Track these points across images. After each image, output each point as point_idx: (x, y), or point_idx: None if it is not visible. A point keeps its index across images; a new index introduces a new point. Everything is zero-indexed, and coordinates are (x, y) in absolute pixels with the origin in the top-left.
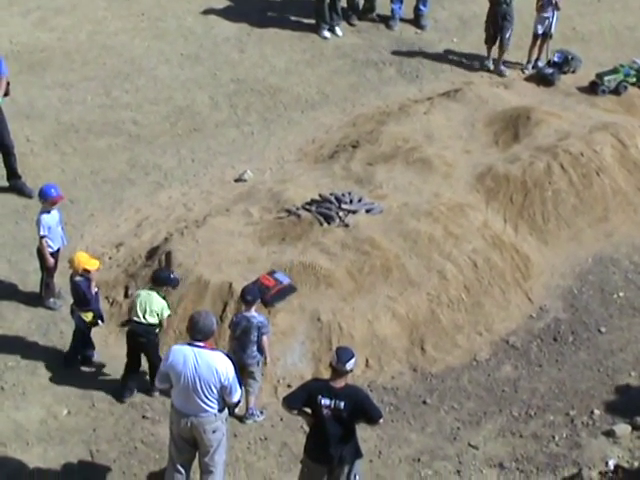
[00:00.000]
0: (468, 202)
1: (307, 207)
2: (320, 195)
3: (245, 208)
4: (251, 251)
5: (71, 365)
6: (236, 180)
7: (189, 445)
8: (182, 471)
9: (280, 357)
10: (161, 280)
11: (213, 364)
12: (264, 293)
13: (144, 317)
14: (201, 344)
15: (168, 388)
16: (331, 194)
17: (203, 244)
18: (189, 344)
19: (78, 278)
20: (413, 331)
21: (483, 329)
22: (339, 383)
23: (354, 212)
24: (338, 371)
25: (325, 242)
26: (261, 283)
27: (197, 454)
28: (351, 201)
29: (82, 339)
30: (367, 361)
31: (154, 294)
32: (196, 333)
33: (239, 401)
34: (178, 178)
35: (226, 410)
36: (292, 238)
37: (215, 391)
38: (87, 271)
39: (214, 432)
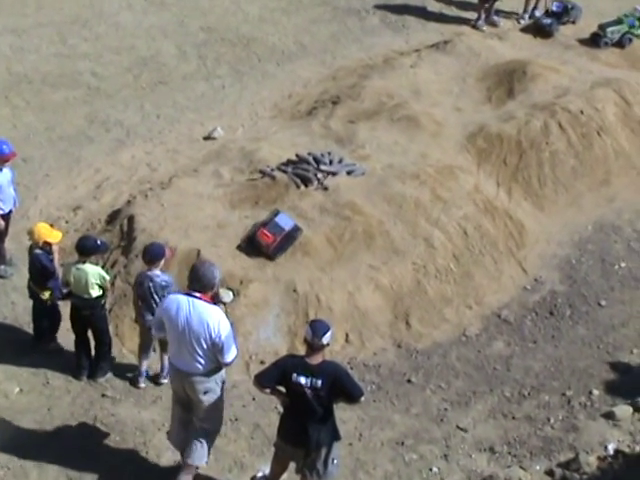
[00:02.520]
0: (458, 164)
1: (283, 168)
2: (297, 155)
3: (215, 169)
4: (221, 216)
5: (47, 345)
6: (205, 138)
7: (183, 405)
8: (183, 430)
9: (252, 331)
10: (87, 250)
11: (205, 317)
12: (265, 250)
13: (86, 293)
14: (197, 294)
15: (164, 337)
16: (309, 154)
17: (169, 208)
18: (187, 293)
19: (38, 251)
20: (397, 304)
21: (473, 302)
22: (315, 359)
23: (334, 174)
24: (313, 346)
25: (302, 206)
26: (259, 241)
27: None
28: (331, 162)
29: (47, 316)
30: (347, 336)
31: (86, 266)
32: (194, 282)
33: (233, 360)
34: (141, 135)
35: (222, 372)
36: (266, 202)
37: (205, 346)
38: (48, 244)
39: (206, 393)
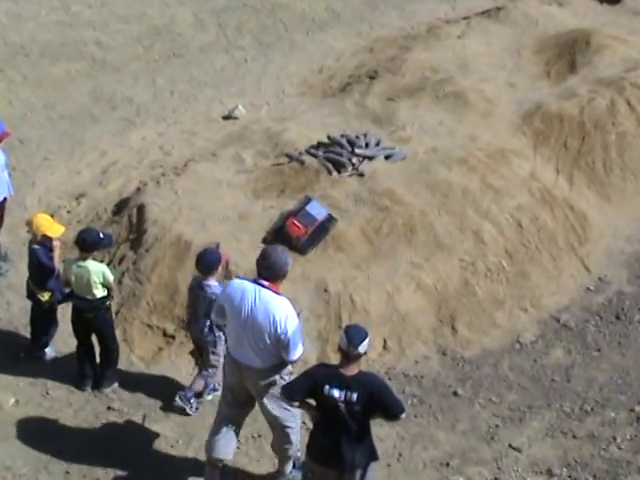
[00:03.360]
0: (512, 147)
1: (312, 152)
2: (328, 137)
3: (236, 152)
4: (243, 205)
5: (39, 353)
6: (225, 117)
7: (237, 401)
8: (225, 430)
9: None
10: (89, 244)
11: (272, 309)
12: (295, 243)
13: (89, 293)
14: (266, 283)
15: (223, 324)
16: (342, 136)
17: (184, 196)
18: (254, 280)
19: (35, 246)
20: (442, 306)
21: (528, 304)
22: (351, 370)
23: (370, 158)
24: (349, 355)
25: (334, 195)
26: (288, 233)
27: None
28: (367, 145)
29: (42, 321)
30: (385, 342)
31: (88, 264)
32: (264, 269)
33: (299, 358)
34: (153, 114)
35: (289, 367)
36: (294, 190)
37: (268, 341)
38: (48, 238)
39: (268, 385)
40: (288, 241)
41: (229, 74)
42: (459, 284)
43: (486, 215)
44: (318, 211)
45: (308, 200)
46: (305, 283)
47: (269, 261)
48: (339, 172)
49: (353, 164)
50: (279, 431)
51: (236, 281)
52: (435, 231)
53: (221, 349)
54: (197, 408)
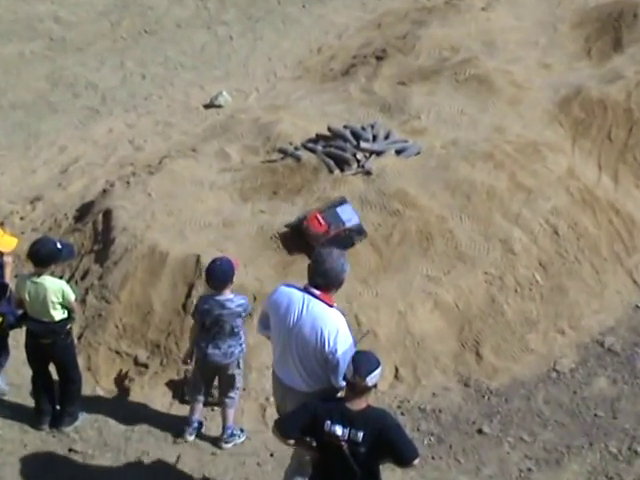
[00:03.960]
0: (546, 140)
1: (310, 146)
2: (330, 129)
3: (220, 147)
4: (228, 210)
5: None
6: (206, 106)
7: None
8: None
9: (270, 364)
10: (44, 258)
11: (320, 322)
12: (314, 240)
13: (46, 315)
14: (317, 292)
15: (268, 336)
16: (345, 127)
17: (158, 199)
18: (304, 289)
19: None
20: (464, 328)
21: (566, 325)
22: (357, 404)
23: (378, 154)
24: (355, 387)
25: (337, 197)
26: (308, 227)
27: None
28: (374, 137)
29: None
30: (397, 370)
31: (44, 280)
32: (316, 276)
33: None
34: (122, 102)
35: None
36: (288, 191)
37: (314, 360)
38: None
39: None
40: (304, 237)
41: (211, 54)
42: (484, 302)
43: (516, 220)
44: (349, 216)
45: (342, 201)
46: None
47: (323, 267)
48: (342, 170)
49: (358, 160)
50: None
51: (284, 288)
52: (455, 239)
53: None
54: (242, 429)
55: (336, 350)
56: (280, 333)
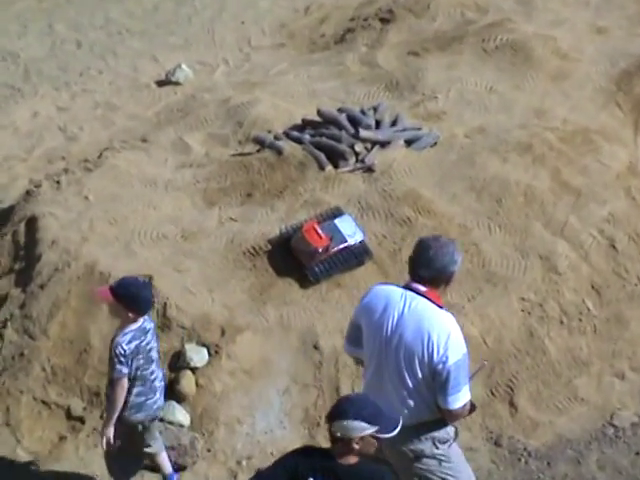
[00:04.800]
0: (600, 127)
1: (295, 135)
2: (320, 112)
3: (178, 136)
4: (189, 218)
5: None
6: (161, 83)
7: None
8: None
9: (243, 418)
10: None
11: (427, 325)
12: (309, 256)
13: None
14: (422, 288)
15: (358, 358)
16: (340, 110)
17: (98, 204)
18: (405, 285)
19: None
20: (494, 370)
21: (627, 367)
22: (347, 459)
23: (383, 144)
24: (335, 438)
25: (328, 200)
26: (304, 239)
27: None
28: (378, 124)
29: None
30: None
31: None
32: (420, 267)
33: (460, 410)
34: (50, 78)
35: (449, 429)
36: (266, 193)
37: (420, 374)
38: None
39: (415, 459)
40: (294, 252)
41: (166, 16)
42: (520, 336)
43: (561, 231)
44: (351, 231)
45: (339, 212)
46: (284, 336)
47: (427, 255)
48: (336, 166)
49: (357, 153)
50: None
51: (379, 287)
52: (483, 255)
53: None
54: None
55: (447, 359)
56: (375, 346)
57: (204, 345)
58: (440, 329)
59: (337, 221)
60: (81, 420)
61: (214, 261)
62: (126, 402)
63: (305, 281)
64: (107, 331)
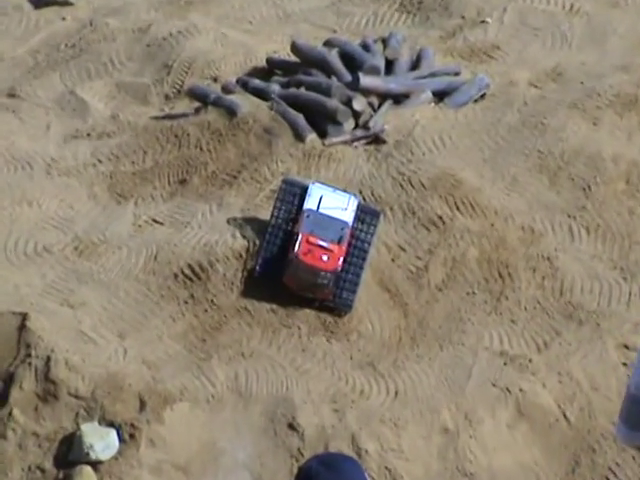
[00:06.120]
0: None
1: (257, 85)
2: (296, 48)
3: (68, 88)
4: (87, 218)
5: None
6: (40, 3)
7: None
8: None
9: None
10: None
11: None
12: (323, 291)
13: None
14: None
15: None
16: (329, 45)
17: None
18: None
19: None
20: (580, 457)
21: None
22: None
23: (399, 99)
24: None
25: None
26: (303, 265)
27: None
28: (390, 64)
29: None
30: None
31: None
32: None
33: None
34: None
35: None
36: (209, 179)
37: None
38: None
39: None
40: (306, 286)
41: None
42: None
43: None
44: (341, 202)
45: (300, 188)
46: (242, 408)
47: None
48: (323, 134)
49: (357, 114)
50: None
51: None
52: (561, 277)
53: None
54: None
55: None
56: None
57: (112, 425)
58: None
59: (322, 208)
60: None
61: (127, 289)
62: None
63: (275, 317)
64: None
